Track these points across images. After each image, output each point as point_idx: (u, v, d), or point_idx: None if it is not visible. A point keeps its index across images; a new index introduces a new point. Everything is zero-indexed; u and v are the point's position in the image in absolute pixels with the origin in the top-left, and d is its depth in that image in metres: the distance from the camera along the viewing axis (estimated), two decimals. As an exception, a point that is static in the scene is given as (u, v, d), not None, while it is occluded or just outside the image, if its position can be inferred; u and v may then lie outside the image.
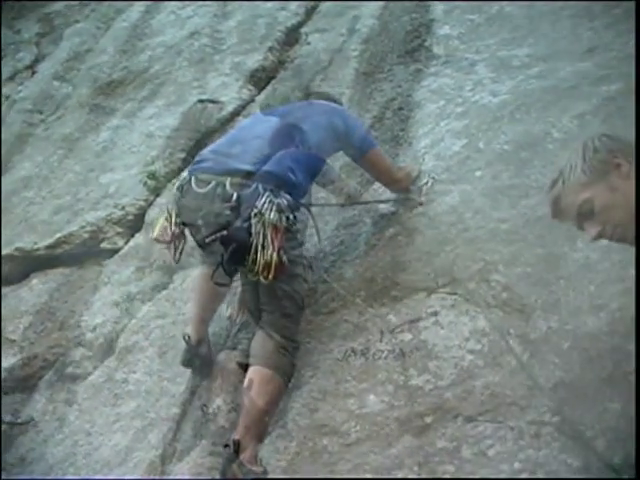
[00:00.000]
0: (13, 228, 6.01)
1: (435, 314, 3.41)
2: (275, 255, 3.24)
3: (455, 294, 3.44)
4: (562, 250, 3.32)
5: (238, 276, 3.73)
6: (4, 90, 7.98)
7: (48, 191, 6.25)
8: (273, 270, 3.24)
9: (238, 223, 3.31)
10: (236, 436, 3.27)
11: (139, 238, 5.56)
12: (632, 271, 2.71)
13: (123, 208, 5.75)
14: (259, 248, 3.23)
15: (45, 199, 6.18)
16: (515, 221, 3.54)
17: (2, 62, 8.47)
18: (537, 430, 2.85)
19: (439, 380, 3.20)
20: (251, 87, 6.54)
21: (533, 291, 3.25)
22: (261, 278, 3.27)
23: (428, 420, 3.10)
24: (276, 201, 3.34)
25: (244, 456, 3.22)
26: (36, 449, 4.47)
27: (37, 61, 8.50)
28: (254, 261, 3.24)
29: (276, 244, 3.26)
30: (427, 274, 3.58)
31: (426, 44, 5.62)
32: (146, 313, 4.82)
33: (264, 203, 3.32)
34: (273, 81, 6.58)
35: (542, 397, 2.93)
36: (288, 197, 3.40)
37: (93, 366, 4.76)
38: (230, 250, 3.27)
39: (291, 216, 3.38)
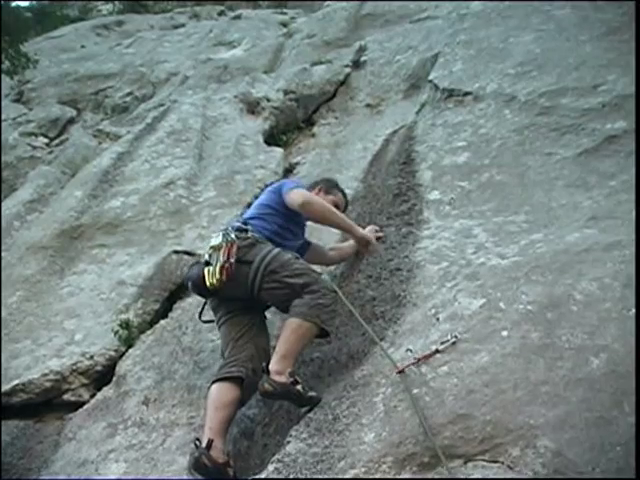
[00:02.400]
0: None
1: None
2: (220, 265, 4.24)
3: (497, 462, 3.19)
4: (612, 414, 3.14)
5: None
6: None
7: (5, 333, 5.81)
8: (219, 275, 4.24)
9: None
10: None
11: (109, 391, 5.16)
12: None
13: (91, 357, 5.43)
14: (209, 269, 4.27)
15: (2, 342, 5.73)
16: (555, 383, 3.36)
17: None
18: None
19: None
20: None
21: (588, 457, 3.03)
22: (214, 281, 4.26)
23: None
24: (222, 232, 4.45)
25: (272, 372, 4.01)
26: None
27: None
28: (208, 279, 4.28)
29: (222, 259, 4.25)
30: (461, 438, 3.33)
31: (416, 208, 5.60)
32: (122, 474, 4.38)
33: (212, 239, 4.47)
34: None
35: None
36: (235, 225, 4.58)
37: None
38: (191, 288, 4.58)
39: (236, 234, 4.41)
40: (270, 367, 4.06)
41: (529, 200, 5.25)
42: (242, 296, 4.44)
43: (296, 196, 4.77)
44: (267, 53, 11.39)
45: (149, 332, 5.59)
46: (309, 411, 4.04)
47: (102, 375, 5.39)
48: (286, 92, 9.22)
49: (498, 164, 5.76)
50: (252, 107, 8.98)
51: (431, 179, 5.93)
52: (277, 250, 4.46)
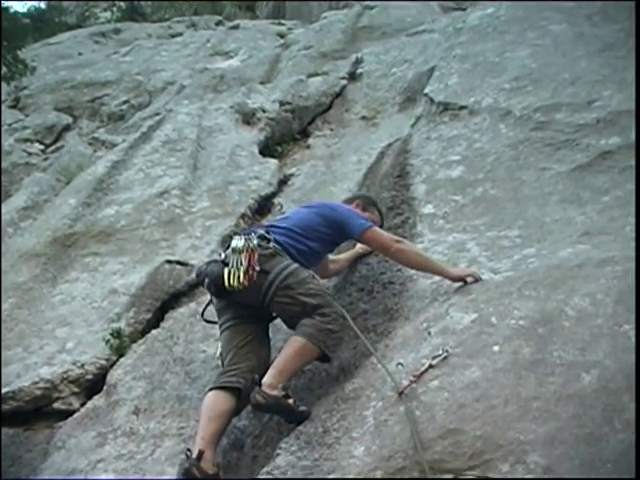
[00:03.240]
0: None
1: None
2: (243, 270, 4.23)
3: (487, 477, 3.17)
4: (602, 431, 3.14)
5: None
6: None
7: (-4, 340, 5.79)
8: (243, 279, 4.22)
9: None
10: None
11: (99, 400, 5.14)
12: None
13: (82, 366, 5.40)
14: (232, 270, 4.23)
15: (-8, 349, 5.71)
16: (546, 398, 3.35)
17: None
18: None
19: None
20: (222, 252, 6.38)
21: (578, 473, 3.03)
22: (235, 283, 4.22)
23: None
24: (243, 236, 4.40)
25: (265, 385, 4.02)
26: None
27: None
28: (228, 280, 4.23)
29: (245, 263, 4.24)
30: (451, 453, 3.31)
31: (410, 221, 5.60)
32: (112, 485, 4.37)
33: (234, 240, 4.40)
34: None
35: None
36: (259, 232, 4.52)
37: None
38: (206, 285, 4.45)
39: (258, 241, 4.39)
40: (264, 380, 4.07)
41: (523, 215, 5.26)
42: (252, 303, 4.42)
43: (385, 240, 4.67)
44: (264, 64, 11.41)
45: (140, 341, 5.57)
46: (299, 424, 4.02)
47: (93, 384, 5.36)
48: (282, 103, 9.23)
49: (492, 178, 5.78)
50: (248, 118, 8.99)
51: (425, 193, 5.93)
52: (295, 266, 4.45)
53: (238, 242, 4.35)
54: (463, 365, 3.71)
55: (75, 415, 5.13)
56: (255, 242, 4.37)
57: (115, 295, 5.97)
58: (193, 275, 5.69)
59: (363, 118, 8.80)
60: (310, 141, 8.81)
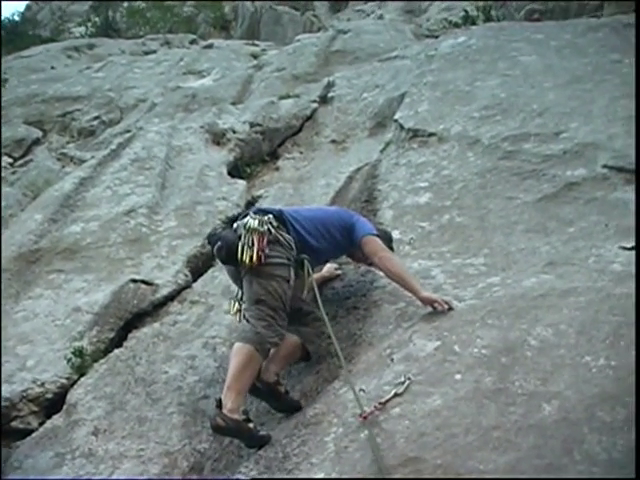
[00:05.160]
0: None
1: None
2: (255, 252, 4.44)
3: (447, 507, 3.17)
4: (562, 462, 3.15)
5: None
6: None
7: (-45, 357, 5.68)
8: (255, 260, 4.44)
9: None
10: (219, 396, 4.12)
11: (58, 420, 5.06)
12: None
13: (42, 385, 5.31)
14: (245, 248, 4.46)
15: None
16: (507, 428, 3.36)
17: None
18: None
19: None
20: (187, 273, 6.43)
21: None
22: (247, 260, 4.43)
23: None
24: (258, 217, 4.63)
25: (225, 409, 4.01)
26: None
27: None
28: (241, 254, 4.46)
29: (256, 246, 4.46)
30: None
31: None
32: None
33: (250, 218, 4.62)
34: (211, 269, 6.47)
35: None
36: (271, 217, 4.67)
37: None
38: (218, 247, 4.60)
39: (271, 228, 4.59)
40: (224, 402, 4.07)
41: (488, 243, 5.31)
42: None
43: (377, 246, 4.81)
44: (236, 84, 11.41)
45: (102, 361, 5.49)
46: (260, 448, 4.00)
47: (52, 403, 5.26)
48: (252, 124, 9.24)
49: (459, 206, 5.82)
50: (218, 138, 8.98)
51: (392, 218, 5.97)
52: (277, 261, 4.59)
53: (253, 222, 4.59)
54: (425, 393, 3.71)
55: (33, 434, 5.02)
56: (266, 227, 4.60)
57: (78, 313, 5.90)
58: (206, 235, 5.71)
59: (333, 142, 8.84)
60: (279, 163, 8.83)
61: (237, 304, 4.84)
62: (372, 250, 4.79)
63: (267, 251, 4.51)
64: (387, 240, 5.14)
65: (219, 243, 4.62)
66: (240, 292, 4.81)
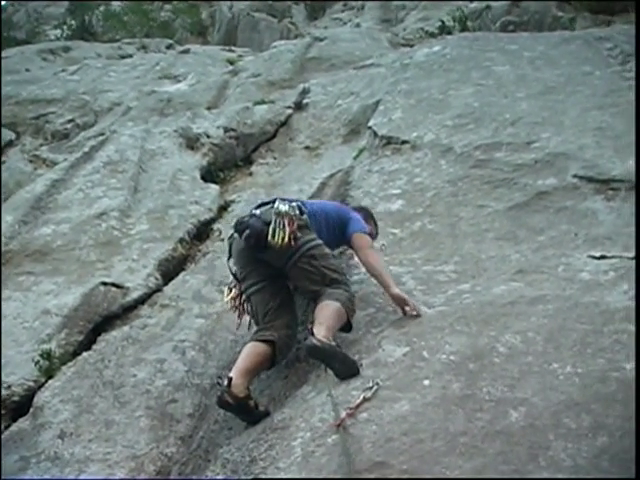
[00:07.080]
0: None
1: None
2: (288, 232, 4.59)
3: (413, 513, 3.17)
4: (527, 468, 3.16)
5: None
6: None
7: None
8: (286, 242, 4.58)
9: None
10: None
11: (24, 423, 5.00)
12: None
13: (9, 387, 5.24)
14: (277, 230, 4.60)
15: None
16: (474, 434, 3.37)
17: None
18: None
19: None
20: (158, 276, 6.39)
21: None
22: (279, 241, 4.57)
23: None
24: (288, 202, 4.80)
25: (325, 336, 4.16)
26: None
27: None
28: (273, 237, 4.58)
29: (288, 228, 4.60)
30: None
31: (347, 252, 5.61)
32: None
33: (279, 203, 4.76)
34: (182, 273, 6.45)
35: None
36: (299, 203, 4.91)
37: None
38: (247, 235, 4.65)
39: (299, 212, 4.77)
40: (316, 331, 4.19)
41: (459, 251, 5.33)
42: (275, 264, 4.77)
43: (365, 242, 4.98)
44: (211, 89, 11.39)
45: (71, 364, 5.43)
46: (227, 452, 3.98)
47: (19, 406, 5.19)
48: (226, 129, 9.25)
49: (431, 213, 5.85)
50: (191, 142, 8.97)
51: (364, 224, 5.96)
52: (320, 241, 4.82)
53: (283, 206, 4.74)
54: (393, 398, 3.71)
55: (-2, 438, 4.97)
56: (297, 212, 4.79)
57: (47, 315, 5.85)
58: (232, 224, 5.50)
59: (307, 148, 8.86)
60: (253, 168, 8.84)
61: (231, 291, 5.04)
62: (360, 245, 4.92)
63: (299, 234, 4.67)
64: (371, 217, 5.45)
65: (247, 231, 4.70)
66: (235, 281, 4.99)
